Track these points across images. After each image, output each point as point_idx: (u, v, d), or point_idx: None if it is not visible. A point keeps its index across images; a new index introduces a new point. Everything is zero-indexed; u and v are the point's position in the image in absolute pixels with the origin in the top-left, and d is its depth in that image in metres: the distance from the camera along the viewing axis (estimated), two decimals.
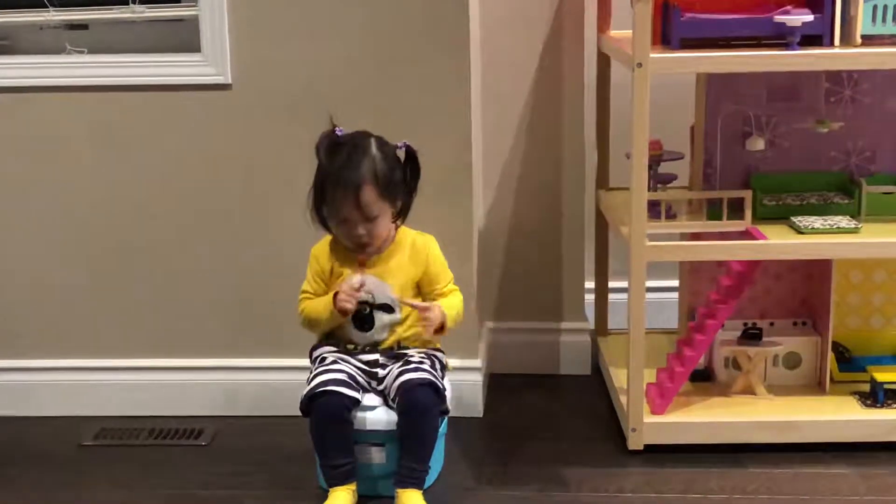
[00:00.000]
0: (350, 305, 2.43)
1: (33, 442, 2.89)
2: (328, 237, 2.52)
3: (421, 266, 2.49)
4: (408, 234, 2.52)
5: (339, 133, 2.45)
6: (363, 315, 2.47)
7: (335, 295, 2.44)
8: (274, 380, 2.96)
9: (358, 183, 2.38)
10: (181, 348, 2.99)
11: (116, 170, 2.89)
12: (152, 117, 2.86)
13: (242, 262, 2.92)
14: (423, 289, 2.51)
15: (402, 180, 2.45)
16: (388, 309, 2.47)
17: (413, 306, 2.44)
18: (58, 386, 3.01)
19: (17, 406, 3.01)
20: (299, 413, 2.46)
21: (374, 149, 2.42)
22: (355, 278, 2.42)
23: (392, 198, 2.43)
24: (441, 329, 2.47)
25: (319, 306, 2.48)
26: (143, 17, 2.91)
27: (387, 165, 2.42)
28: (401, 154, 2.46)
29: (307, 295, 2.54)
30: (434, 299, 2.50)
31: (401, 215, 2.49)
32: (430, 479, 2.57)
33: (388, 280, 2.46)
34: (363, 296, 2.44)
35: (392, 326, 2.48)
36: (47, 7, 2.91)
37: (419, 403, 2.38)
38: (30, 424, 2.98)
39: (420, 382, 2.38)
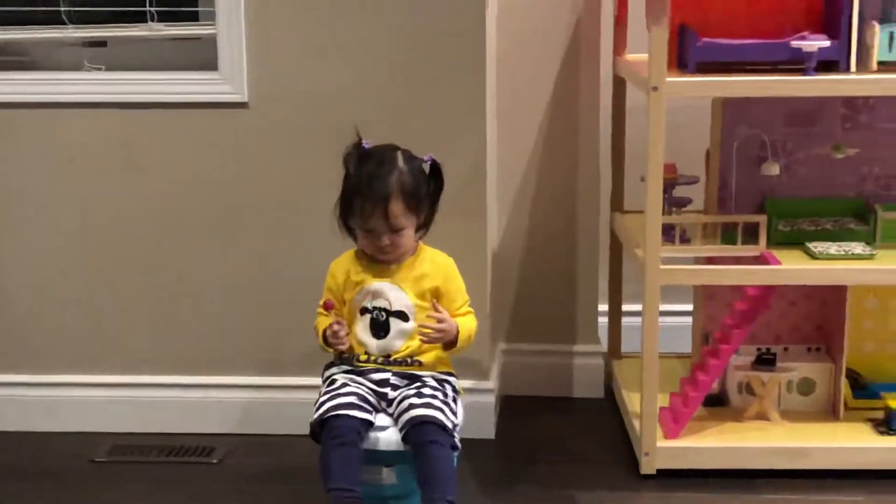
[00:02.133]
0: (343, 347, 2.46)
1: (46, 457, 2.89)
2: (348, 252, 2.53)
3: (439, 281, 2.49)
4: (429, 251, 2.53)
5: (366, 145, 2.47)
6: (379, 321, 2.48)
7: (326, 335, 2.46)
8: (286, 398, 2.95)
9: (386, 195, 2.40)
10: (194, 366, 2.99)
11: (133, 186, 2.90)
12: (169, 134, 2.87)
13: (258, 279, 2.92)
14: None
15: (427, 194, 2.47)
16: (403, 316, 2.48)
17: (431, 316, 2.44)
18: (71, 402, 3.01)
19: (31, 421, 3.01)
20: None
21: (401, 162, 2.45)
22: (336, 326, 2.44)
23: (417, 210, 2.46)
24: (451, 345, 2.47)
25: (318, 334, 2.50)
26: (161, 34, 2.93)
27: (413, 179, 2.44)
28: (426, 167, 2.48)
29: (320, 310, 2.55)
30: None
31: (423, 228, 2.51)
32: None
33: (405, 289, 2.47)
34: (343, 340, 2.45)
35: (407, 335, 2.48)
36: (66, 24, 2.92)
37: (428, 441, 2.37)
38: (43, 440, 2.98)
39: (428, 420, 2.37)
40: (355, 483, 2.37)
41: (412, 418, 2.37)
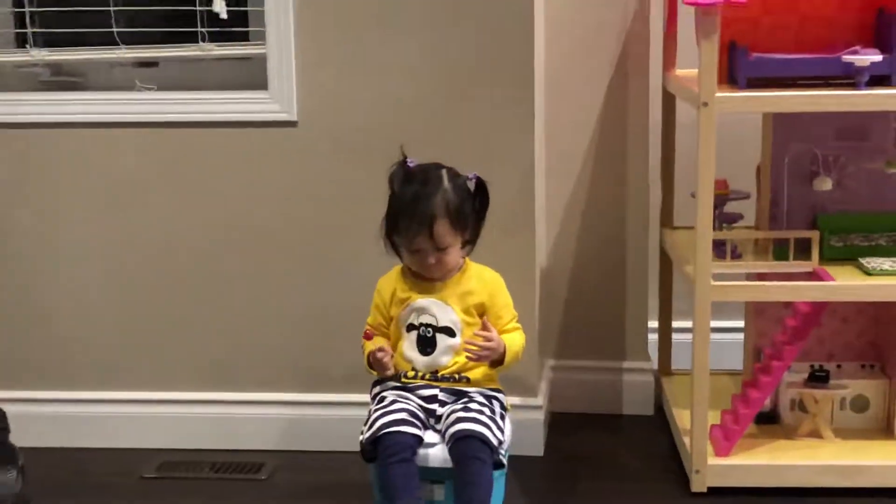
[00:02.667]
0: (389, 373, 2.46)
1: (96, 473, 2.92)
2: (395, 269, 2.54)
3: (485, 297, 2.49)
4: (476, 267, 2.53)
5: (410, 164, 2.48)
6: (426, 338, 2.48)
7: (371, 357, 2.46)
8: (334, 415, 2.96)
9: (431, 215, 2.40)
10: (242, 382, 3.00)
11: (184, 205, 2.93)
12: (219, 154, 2.90)
13: (306, 296, 2.94)
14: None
15: (472, 211, 2.47)
16: (449, 332, 2.48)
17: (478, 334, 2.43)
18: (120, 418, 3.04)
19: (81, 437, 3.04)
20: (358, 448, 2.46)
21: (446, 181, 2.45)
22: (380, 354, 2.44)
23: (463, 229, 2.46)
24: (498, 363, 2.47)
25: (364, 356, 2.51)
26: (212, 54, 2.95)
27: (458, 198, 2.44)
28: (471, 185, 2.48)
29: (369, 329, 2.55)
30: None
31: (469, 244, 2.51)
32: None
33: (451, 304, 2.47)
34: (388, 366, 2.45)
35: (454, 351, 2.48)
36: (118, 45, 2.96)
37: (471, 457, 2.36)
38: (92, 456, 3.01)
39: (472, 435, 2.37)
40: (417, 497, 2.37)
41: (457, 432, 2.36)
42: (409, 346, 2.49)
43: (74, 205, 2.96)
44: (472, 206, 2.48)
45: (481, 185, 2.49)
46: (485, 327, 2.44)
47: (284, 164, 2.88)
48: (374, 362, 2.46)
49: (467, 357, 2.43)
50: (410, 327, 2.49)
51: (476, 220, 2.50)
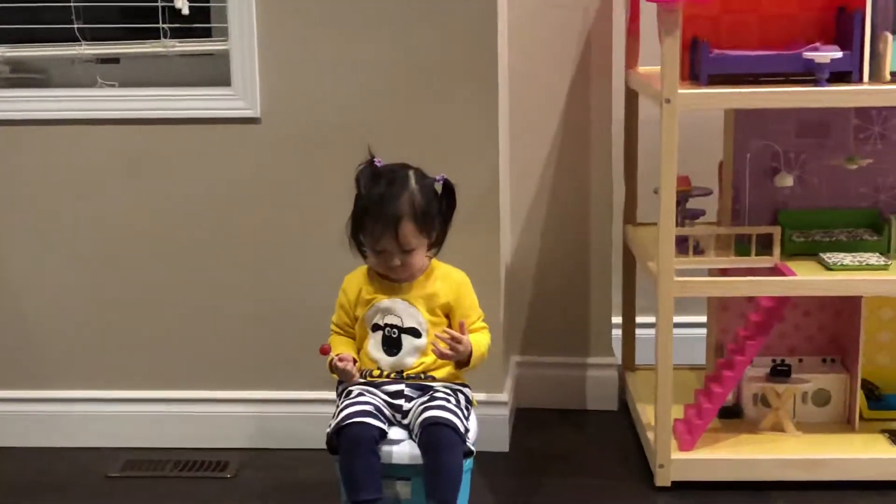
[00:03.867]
0: (357, 378, 2.45)
1: (60, 473, 2.90)
2: (361, 267, 2.53)
3: (452, 296, 2.49)
4: (442, 267, 2.53)
5: (378, 164, 2.47)
6: (391, 338, 2.48)
7: (333, 367, 2.45)
8: (300, 412, 2.96)
9: (397, 217, 2.39)
10: (207, 380, 2.99)
11: (147, 202, 2.91)
12: (182, 150, 2.88)
13: (271, 294, 2.93)
14: (453, 323, 2.51)
15: (438, 213, 2.47)
16: (415, 333, 2.48)
17: (445, 340, 2.43)
18: (84, 417, 3.02)
19: (44, 437, 3.02)
20: (325, 447, 2.46)
21: (413, 182, 2.44)
22: (340, 364, 2.43)
23: (429, 230, 2.45)
24: (464, 364, 2.47)
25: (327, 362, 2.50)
26: (174, 51, 2.94)
27: (425, 199, 2.43)
28: (438, 187, 2.48)
29: (333, 328, 2.55)
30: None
31: (435, 246, 2.50)
32: None
33: (417, 305, 2.47)
34: (352, 375, 2.45)
35: (420, 351, 2.48)
36: (80, 41, 2.94)
37: (440, 443, 2.37)
38: (56, 455, 2.98)
39: (441, 422, 2.37)
40: (379, 491, 2.37)
41: (425, 419, 2.36)
42: (374, 345, 2.49)
43: (37, 202, 2.93)
44: (438, 209, 2.47)
45: (448, 187, 2.49)
46: (460, 330, 2.44)
47: (248, 161, 2.87)
48: (337, 373, 2.46)
49: (434, 353, 2.43)
50: (375, 327, 2.48)
51: (442, 223, 2.49)
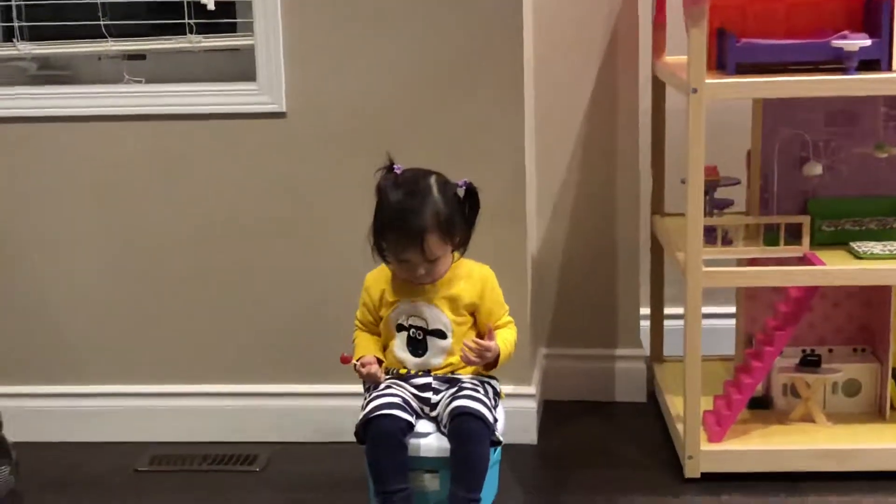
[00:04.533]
0: (383, 379, 2.45)
1: (89, 467, 2.92)
2: (384, 267, 2.52)
3: (476, 296, 2.47)
4: (465, 264, 2.50)
5: (398, 171, 2.42)
6: (416, 339, 2.47)
7: (359, 367, 2.45)
8: (328, 405, 2.96)
9: (421, 229, 2.35)
10: (235, 374, 3.00)
11: (174, 197, 2.92)
12: (208, 146, 2.89)
13: (298, 287, 2.94)
14: (478, 320, 2.50)
15: (462, 219, 2.42)
16: (440, 335, 2.47)
17: (473, 349, 2.41)
18: (111, 412, 3.03)
19: (74, 432, 3.04)
20: (353, 439, 2.46)
21: (435, 191, 2.38)
22: (364, 370, 2.43)
23: (453, 237, 2.41)
24: (492, 366, 2.46)
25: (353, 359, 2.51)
26: (200, 46, 2.95)
27: (448, 208, 2.38)
28: (461, 192, 2.43)
29: (357, 324, 2.54)
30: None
31: (461, 247, 2.48)
32: None
33: (441, 307, 2.46)
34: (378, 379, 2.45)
35: (446, 352, 2.47)
36: (106, 38, 2.95)
37: (468, 433, 2.36)
38: (85, 450, 3.00)
39: (469, 412, 2.37)
40: (407, 482, 2.38)
41: (454, 409, 2.36)
42: (399, 346, 2.48)
43: (63, 198, 2.95)
44: (462, 214, 2.42)
45: (472, 191, 2.44)
46: (489, 336, 2.42)
47: (273, 156, 2.88)
48: (363, 378, 2.45)
49: (462, 360, 2.42)
50: (400, 328, 2.47)
51: (467, 227, 2.44)
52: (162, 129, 2.89)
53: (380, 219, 2.42)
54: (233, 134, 2.88)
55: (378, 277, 2.51)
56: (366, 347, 2.50)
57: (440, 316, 2.46)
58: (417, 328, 2.46)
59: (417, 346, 2.47)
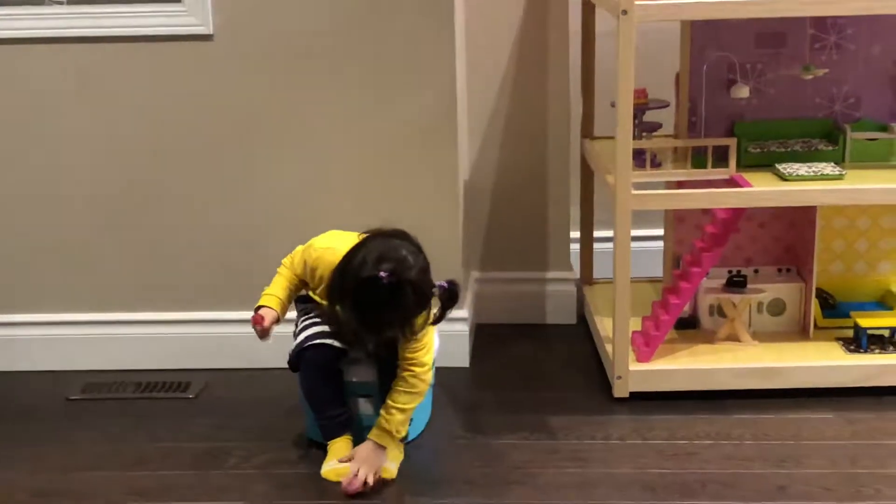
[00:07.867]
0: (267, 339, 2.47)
1: (20, 396, 2.89)
2: (333, 249, 2.41)
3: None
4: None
5: (383, 278, 2.24)
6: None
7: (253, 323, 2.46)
8: None
9: (391, 337, 2.35)
10: (168, 302, 2.98)
11: (98, 121, 2.87)
12: (134, 68, 2.83)
13: (229, 213, 2.91)
14: (400, 353, 2.43)
15: (436, 318, 2.38)
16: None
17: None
18: (43, 340, 3.01)
19: (3, 361, 3.01)
20: (286, 366, 2.47)
21: (411, 300, 2.28)
22: (259, 327, 2.46)
23: (416, 332, 2.36)
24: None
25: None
26: None
27: (423, 319, 2.34)
28: (437, 292, 2.35)
29: (282, 269, 2.53)
30: (405, 369, 2.41)
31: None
32: (418, 429, 2.59)
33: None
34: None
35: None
36: None
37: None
38: (15, 379, 2.98)
39: None
40: (343, 405, 2.40)
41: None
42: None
43: None
44: (436, 314, 2.37)
45: (452, 295, 2.37)
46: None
47: (201, 79, 2.83)
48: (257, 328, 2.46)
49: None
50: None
51: (436, 319, 2.39)
52: (84, 52, 2.83)
53: (353, 310, 2.29)
54: (158, 57, 2.82)
55: (330, 264, 2.39)
56: (272, 297, 2.48)
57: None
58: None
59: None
